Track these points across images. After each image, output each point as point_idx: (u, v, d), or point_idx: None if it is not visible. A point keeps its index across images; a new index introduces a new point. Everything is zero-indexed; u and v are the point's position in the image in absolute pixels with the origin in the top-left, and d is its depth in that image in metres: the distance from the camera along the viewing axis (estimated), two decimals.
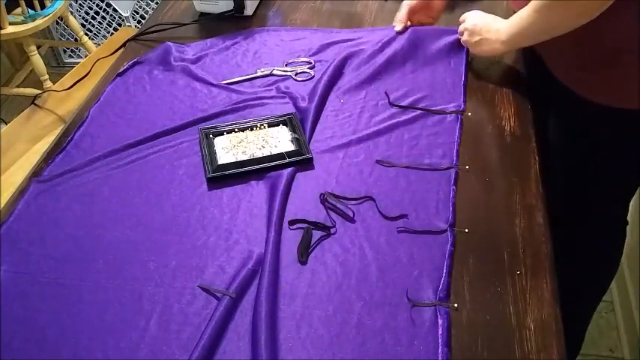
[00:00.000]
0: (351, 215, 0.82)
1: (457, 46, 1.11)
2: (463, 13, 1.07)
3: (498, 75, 1.07)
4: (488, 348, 0.66)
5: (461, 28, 1.07)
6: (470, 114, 0.98)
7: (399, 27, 1.12)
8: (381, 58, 1.12)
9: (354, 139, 0.95)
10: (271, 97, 1.05)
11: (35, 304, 0.73)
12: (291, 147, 0.93)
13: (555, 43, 0.89)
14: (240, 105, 1.03)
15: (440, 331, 0.67)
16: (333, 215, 0.82)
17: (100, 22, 2.64)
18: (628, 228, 1.42)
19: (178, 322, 0.70)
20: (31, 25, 2.10)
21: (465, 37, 1.06)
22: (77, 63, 2.28)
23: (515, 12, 1.00)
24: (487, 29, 1.00)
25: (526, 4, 0.90)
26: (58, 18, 2.31)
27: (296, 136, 0.94)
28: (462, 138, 0.94)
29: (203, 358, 0.65)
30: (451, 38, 1.14)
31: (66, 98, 1.76)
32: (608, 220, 1.11)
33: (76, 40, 2.54)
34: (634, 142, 0.94)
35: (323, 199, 0.84)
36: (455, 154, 0.90)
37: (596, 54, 0.87)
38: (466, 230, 0.79)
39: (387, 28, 1.17)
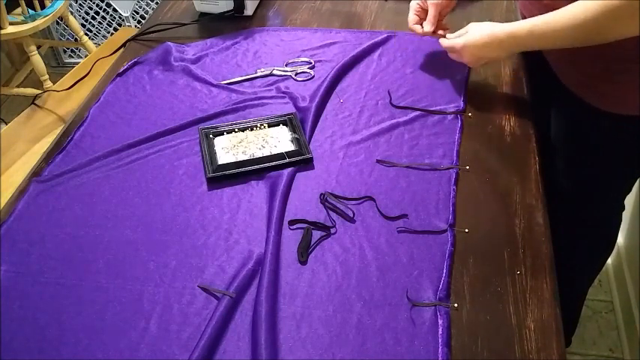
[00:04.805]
0: (351, 215, 0.82)
1: None
2: (463, 13, 1.07)
3: (498, 75, 1.07)
4: (488, 348, 0.66)
5: (459, 41, 0.97)
6: (470, 114, 0.98)
7: (428, 28, 1.04)
8: (381, 59, 1.13)
9: (354, 139, 0.95)
10: (271, 97, 1.05)
11: (35, 304, 0.73)
12: (291, 147, 0.93)
13: (561, 49, 0.89)
14: (240, 105, 1.03)
15: (440, 331, 0.67)
16: (333, 215, 0.82)
17: (100, 22, 2.64)
18: (628, 228, 1.42)
19: (178, 322, 0.70)
20: (31, 25, 2.10)
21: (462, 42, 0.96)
22: (77, 63, 2.28)
23: (524, 16, 0.99)
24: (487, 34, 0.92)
25: (538, 8, 0.88)
26: (58, 18, 2.31)
27: (296, 136, 0.94)
28: (462, 138, 0.94)
29: (203, 358, 0.65)
30: None
31: (66, 98, 1.76)
32: (607, 208, 1.13)
33: (76, 40, 2.54)
34: (633, 143, 0.95)
35: (323, 199, 0.84)
36: (455, 154, 0.90)
37: (602, 61, 0.86)
38: (466, 230, 0.79)
39: (388, 31, 1.17)
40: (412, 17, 1.07)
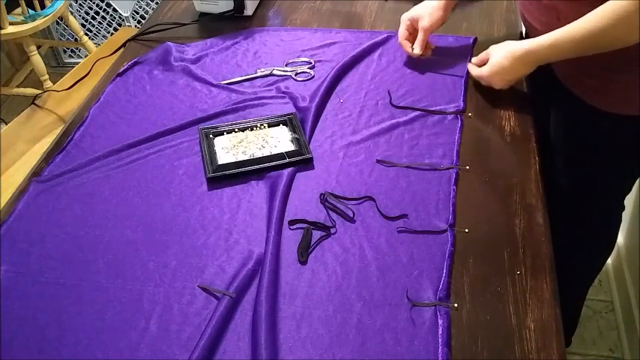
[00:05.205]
0: (351, 215, 0.82)
1: (457, 47, 1.11)
2: (463, 13, 1.06)
3: None
4: (488, 348, 0.66)
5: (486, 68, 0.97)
6: (470, 114, 0.98)
7: (417, 51, 1.06)
8: (381, 59, 1.13)
9: (354, 139, 0.95)
10: (271, 97, 1.05)
11: (35, 304, 0.73)
12: (291, 147, 0.93)
13: None
14: (240, 105, 1.03)
15: (440, 331, 0.67)
16: (333, 215, 0.82)
17: (100, 22, 2.64)
18: (628, 228, 1.42)
19: (178, 322, 0.70)
20: (31, 25, 2.10)
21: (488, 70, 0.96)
22: (77, 63, 2.28)
23: (523, 16, 1.00)
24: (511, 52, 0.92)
25: (538, 8, 0.88)
26: (58, 18, 2.31)
27: (296, 136, 0.94)
28: (462, 138, 0.94)
29: (203, 358, 0.65)
30: (451, 40, 1.15)
31: (66, 98, 1.76)
32: (606, 208, 1.13)
33: (76, 40, 2.54)
34: (633, 143, 0.95)
35: (323, 199, 0.84)
36: (455, 154, 0.90)
37: (602, 62, 0.87)
38: (466, 230, 0.79)
39: (388, 31, 1.17)
40: (402, 32, 1.09)
